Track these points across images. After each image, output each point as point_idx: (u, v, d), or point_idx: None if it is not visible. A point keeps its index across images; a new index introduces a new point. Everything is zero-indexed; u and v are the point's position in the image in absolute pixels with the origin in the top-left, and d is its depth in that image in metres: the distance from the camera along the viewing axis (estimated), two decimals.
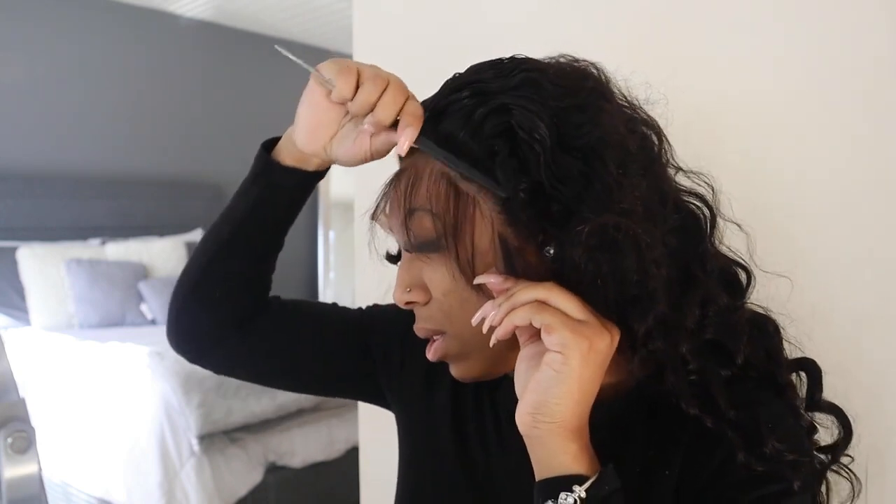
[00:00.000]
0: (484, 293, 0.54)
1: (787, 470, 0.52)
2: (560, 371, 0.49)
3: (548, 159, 0.51)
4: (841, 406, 0.60)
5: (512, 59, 0.57)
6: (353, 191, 1.23)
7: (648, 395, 0.58)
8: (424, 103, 0.57)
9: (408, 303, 0.59)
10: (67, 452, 2.81)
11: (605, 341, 0.50)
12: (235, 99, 4.57)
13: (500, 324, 0.51)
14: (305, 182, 0.65)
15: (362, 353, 0.75)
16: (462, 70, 0.58)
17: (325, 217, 4.95)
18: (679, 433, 0.55)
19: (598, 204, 0.50)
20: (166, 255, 3.92)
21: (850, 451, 0.60)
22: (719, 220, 0.59)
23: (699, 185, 0.60)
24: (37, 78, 3.73)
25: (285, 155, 0.64)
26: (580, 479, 0.49)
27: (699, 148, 0.64)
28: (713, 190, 0.60)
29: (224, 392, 2.54)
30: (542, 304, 0.50)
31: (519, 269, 0.53)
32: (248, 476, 2.57)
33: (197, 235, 4.18)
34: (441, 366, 0.63)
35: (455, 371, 0.61)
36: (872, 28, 0.73)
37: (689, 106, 0.67)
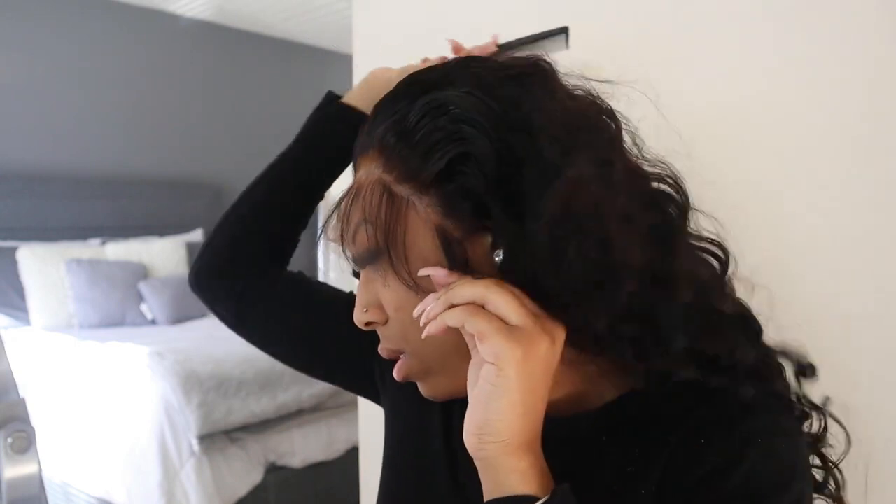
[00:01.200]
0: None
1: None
2: (496, 385, 0.45)
3: (494, 146, 0.48)
4: (834, 399, 0.60)
5: (447, 61, 0.58)
6: None
7: (624, 409, 0.54)
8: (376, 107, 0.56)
9: (367, 324, 0.57)
10: (67, 452, 2.81)
11: (542, 346, 0.46)
12: (235, 99, 4.57)
13: (435, 318, 0.48)
14: (357, 120, 0.68)
15: (368, 349, 0.70)
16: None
17: (325, 217, 4.95)
18: (658, 450, 0.51)
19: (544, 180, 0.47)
20: (166, 255, 3.92)
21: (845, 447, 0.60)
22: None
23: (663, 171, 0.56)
24: (37, 78, 3.73)
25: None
26: (529, 500, 0.45)
27: (684, 143, 0.64)
28: (676, 179, 0.55)
29: (224, 392, 2.54)
30: (478, 307, 0.47)
31: (462, 260, 0.50)
32: (248, 476, 2.57)
33: (197, 235, 4.18)
34: None
35: (423, 390, 0.59)
36: (872, 27, 0.73)
37: (673, 106, 0.68)
